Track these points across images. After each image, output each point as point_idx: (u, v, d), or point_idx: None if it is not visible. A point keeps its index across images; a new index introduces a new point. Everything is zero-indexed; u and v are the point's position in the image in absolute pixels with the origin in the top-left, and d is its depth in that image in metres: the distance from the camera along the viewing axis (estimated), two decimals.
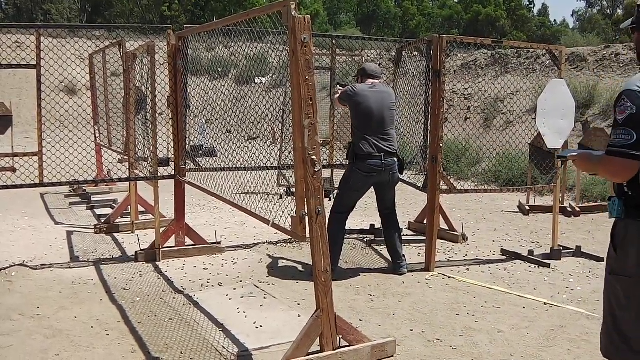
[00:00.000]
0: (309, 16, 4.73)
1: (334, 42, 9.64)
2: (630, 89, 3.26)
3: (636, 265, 3.31)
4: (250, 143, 7.69)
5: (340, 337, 5.02)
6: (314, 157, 4.70)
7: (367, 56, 21.76)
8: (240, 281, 7.13)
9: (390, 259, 7.70)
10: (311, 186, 4.71)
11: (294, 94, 4.82)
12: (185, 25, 8.33)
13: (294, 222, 4.97)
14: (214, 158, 8.25)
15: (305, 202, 4.79)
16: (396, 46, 9.61)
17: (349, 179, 7.33)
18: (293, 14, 4.63)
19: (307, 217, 4.81)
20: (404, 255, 7.58)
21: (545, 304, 6.56)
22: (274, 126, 16.15)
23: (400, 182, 8.59)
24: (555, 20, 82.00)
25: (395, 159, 7.33)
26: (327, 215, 5.65)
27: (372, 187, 7.48)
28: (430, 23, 71.04)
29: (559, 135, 8.10)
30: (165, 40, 7.84)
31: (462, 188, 8.59)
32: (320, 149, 10.25)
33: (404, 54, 9.12)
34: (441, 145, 7.53)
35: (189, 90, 7.95)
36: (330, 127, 9.42)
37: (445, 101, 7.72)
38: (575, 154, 3.70)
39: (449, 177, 14.18)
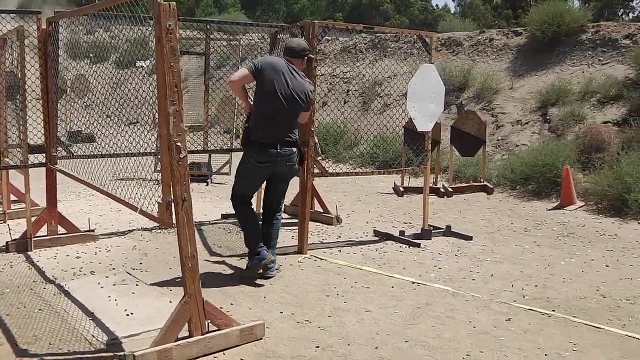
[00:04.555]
0: (174, 3, 4.72)
1: (208, 26, 9.60)
2: None
3: None
4: (130, 128, 7.60)
5: (209, 321, 5.06)
6: (179, 144, 4.71)
7: (249, 40, 21.70)
8: (113, 269, 7.08)
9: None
10: (177, 172, 4.73)
11: (159, 81, 4.82)
12: (55, 10, 8.15)
13: (161, 209, 4.98)
14: (93, 144, 8.12)
15: (171, 189, 4.81)
16: (269, 31, 9.64)
17: (243, 166, 6.87)
18: (158, 0, 4.62)
19: (173, 204, 4.83)
20: (274, 260, 7.05)
21: (413, 282, 6.77)
22: (154, 110, 15.89)
23: None
24: (437, 5, 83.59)
25: (295, 149, 6.83)
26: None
27: None
28: (314, 6, 71.33)
29: (429, 119, 8.34)
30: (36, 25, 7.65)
31: (335, 171, 8.68)
32: (196, 134, 10.22)
33: (279, 37, 9.16)
34: (313, 129, 7.63)
35: (69, 76, 7.78)
36: (205, 112, 9.39)
37: (316, 84, 7.78)
38: None
39: (327, 160, 14.42)
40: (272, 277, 6.85)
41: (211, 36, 9.89)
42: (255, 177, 6.91)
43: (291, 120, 6.74)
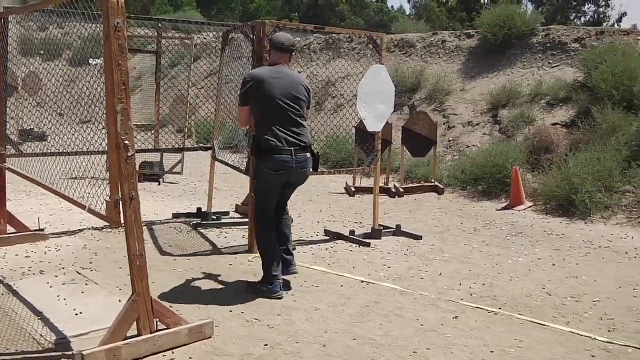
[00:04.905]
0: (123, 0, 4.71)
1: (160, 25, 9.58)
2: None
3: None
4: (81, 127, 7.54)
5: (158, 320, 5.06)
6: (126, 142, 4.71)
7: (204, 39, 21.66)
8: (63, 268, 7.02)
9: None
10: (124, 171, 4.72)
11: (107, 79, 4.81)
12: (4, 6, 8.07)
13: (109, 207, 4.97)
14: (44, 142, 8.04)
15: (119, 187, 4.80)
16: (223, 30, 9.65)
17: (259, 182, 6.41)
18: None
19: (121, 202, 4.82)
20: (292, 250, 6.74)
21: (362, 281, 6.82)
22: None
23: (225, 166, 8.65)
24: (392, 6, 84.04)
25: (308, 154, 6.40)
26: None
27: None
28: (270, 6, 71.14)
29: (378, 119, 8.41)
30: None
31: None
32: (147, 132, 10.16)
33: (231, 37, 9.16)
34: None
35: (19, 73, 7.67)
36: (156, 111, 9.37)
37: None
38: None
39: None
40: (296, 273, 6.66)
41: (163, 34, 9.89)
42: (273, 189, 6.37)
43: (297, 119, 6.25)
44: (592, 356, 5.11)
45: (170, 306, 5.42)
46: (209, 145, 9.79)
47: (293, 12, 67.41)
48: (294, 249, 6.79)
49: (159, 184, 12.81)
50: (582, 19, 59.20)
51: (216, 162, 9.00)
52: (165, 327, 5.08)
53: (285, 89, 6.20)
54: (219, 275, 6.86)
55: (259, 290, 6.31)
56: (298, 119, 6.26)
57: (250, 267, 7.16)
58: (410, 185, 12.57)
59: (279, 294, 6.23)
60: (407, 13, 77.37)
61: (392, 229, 8.93)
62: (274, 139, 6.11)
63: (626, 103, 12.19)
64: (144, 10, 48.04)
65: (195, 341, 5.10)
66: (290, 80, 6.31)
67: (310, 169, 6.52)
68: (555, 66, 15.32)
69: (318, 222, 9.59)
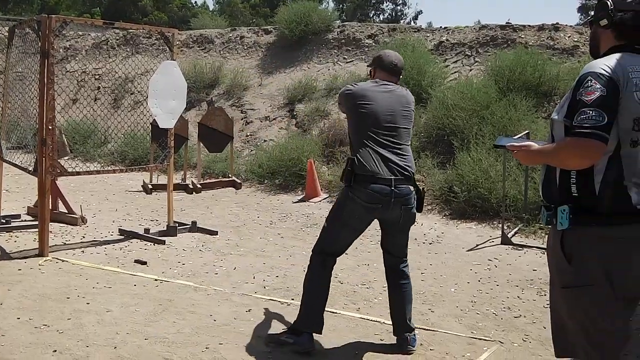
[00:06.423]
0: None
1: None
2: (596, 72, 3.08)
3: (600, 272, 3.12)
4: None
5: None
6: None
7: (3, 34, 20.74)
8: None
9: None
10: None
11: None
12: None
13: None
14: None
15: None
16: (8, 25, 9.29)
17: (343, 208, 5.20)
18: None
19: None
20: (413, 326, 5.43)
21: (155, 280, 6.80)
22: None
23: (7, 165, 8.31)
24: (196, 2, 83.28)
25: (412, 187, 5.23)
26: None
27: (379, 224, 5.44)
28: (71, 0, 69.01)
29: (171, 116, 8.38)
30: None
31: (76, 170, 8.53)
32: None
33: (26, 32, 8.86)
34: (50, 127, 7.44)
35: None
36: None
37: (54, 82, 7.57)
38: (516, 144, 3.44)
39: (76, 159, 14.12)
40: (413, 351, 5.27)
41: None
42: (356, 225, 5.25)
43: (402, 143, 5.21)
44: (380, 340, 5.38)
45: None
46: None
47: (95, 7, 65.69)
48: (412, 326, 5.44)
49: None
50: (381, 16, 61.31)
51: (6, 164, 8.68)
52: None
53: (391, 107, 5.19)
54: (7, 282, 6.60)
55: (283, 342, 5.26)
56: (404, 143, 5.24)
57: (41, 272, 6.94)
58: (208, 181, 12.63)
59: (307, 349, 5.17)
60: (211, 9, 77.35)
61: (188, 226, 8.95)
62: (372, 165, 5.05)
63: (415, 97, 12.69)
64: None
65: None
66: (397, 97, 5.26)
67: (415, 209, 5.29)
68: (350, 61, 15.83)
69: (113, 221, 9.44)
